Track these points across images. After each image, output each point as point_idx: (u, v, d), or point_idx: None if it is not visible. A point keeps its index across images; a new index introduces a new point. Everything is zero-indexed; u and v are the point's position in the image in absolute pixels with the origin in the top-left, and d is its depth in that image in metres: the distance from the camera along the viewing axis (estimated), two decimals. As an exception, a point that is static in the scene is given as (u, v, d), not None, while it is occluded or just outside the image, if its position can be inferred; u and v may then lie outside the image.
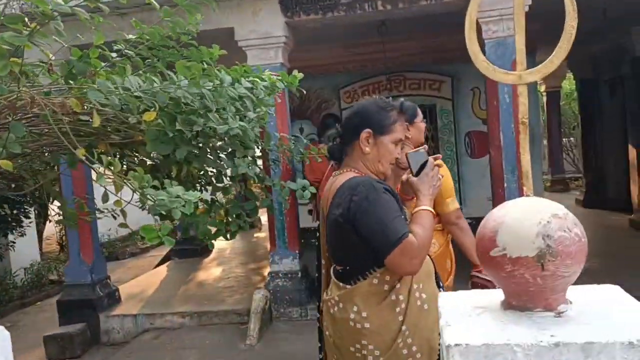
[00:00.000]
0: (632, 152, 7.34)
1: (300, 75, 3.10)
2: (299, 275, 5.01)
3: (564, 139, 11.87)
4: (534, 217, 1.29)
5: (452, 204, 2.63)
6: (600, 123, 8.42)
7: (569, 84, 11.98)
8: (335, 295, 1.85)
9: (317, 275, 2.20)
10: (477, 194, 7.21)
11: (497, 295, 1.50)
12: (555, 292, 1.31)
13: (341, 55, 6.74)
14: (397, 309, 1.79)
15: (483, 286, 2.58)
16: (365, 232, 1.71)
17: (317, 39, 5.81)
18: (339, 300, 1.84)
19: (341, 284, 1.85)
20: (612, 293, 1.44)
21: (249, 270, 6.92)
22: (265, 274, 6.38)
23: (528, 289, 1.29)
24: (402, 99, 2.03)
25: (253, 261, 7.47)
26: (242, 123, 2.62)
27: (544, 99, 11.65)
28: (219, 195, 3.42)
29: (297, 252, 5.02)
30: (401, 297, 1.81)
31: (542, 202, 1.34)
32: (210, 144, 2.97)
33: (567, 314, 1.29)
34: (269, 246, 8.21)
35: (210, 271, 7.06)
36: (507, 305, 1.36)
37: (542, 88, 11.42)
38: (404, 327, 1.79)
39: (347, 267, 1.84)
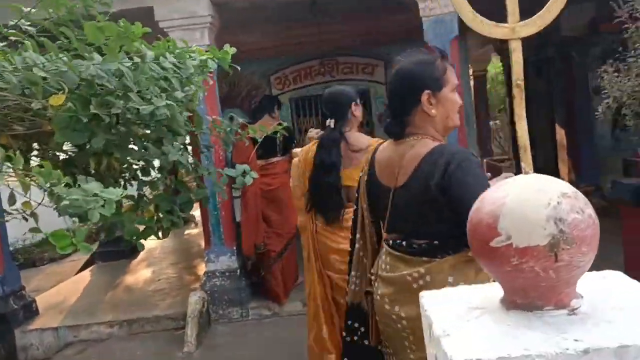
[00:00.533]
0: (559, 132, 7.53)
1: (233, 50, 2.77)
2: (238, 272, 4.68)
3: (490, 122, 12.13)
4: (541, 198, 1.07)
5: None
6: (528, 104, 8.58)
7: (493, 67, 12.26)
8: (421, 268, 1.70)
9: (350, 250, 2.03)
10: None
11: (489, 291, 1.29)
12: (568, 286, 1.10)
13: (272, 39, 6.42)
14: (491, 279, 1.66)
15: None
16: (459, 205, 1.51)
17: (246, 20, 5.45)
18: (425, 272, 1.70)
19: (424, 258, 1.71)
20: (616, 280, 1.25)
21: (182, 270, 6.49)
22: (200, 273, 6.01)
23: (538, 283, 1.07)
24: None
25: (186, 260, 7.03)
26: (169, 101, 2.27)
27: (471, 83, 11.84)
28: (147, 190, 3.04)
29: (234, 248, 4.69)
30: None
31: (546, 179, 1.12)
32: (133, 132, 2.60)
33: (581, 310, 1.09)
34: (202, 243, 7.84)
35: (139, 274, 6.57)
36: (509, 304, 1.14)
37: (470, 71, 11.59)
38: None
39: (435, 242, 1.71)
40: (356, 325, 2.01)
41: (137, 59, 2.28)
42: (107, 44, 2.01)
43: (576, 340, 0.97)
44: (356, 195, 2.00)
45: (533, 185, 1.11)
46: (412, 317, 1.71)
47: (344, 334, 2.07)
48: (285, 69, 7.37)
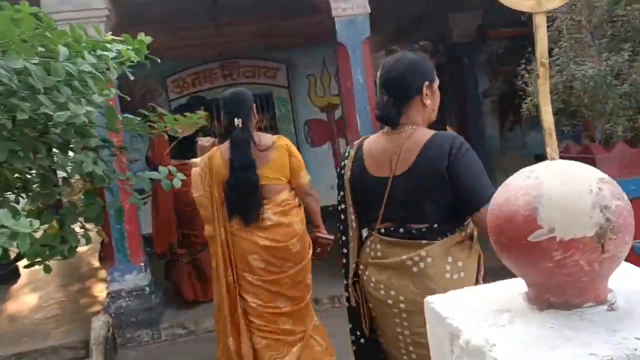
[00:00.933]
0: (452, 134, 7.86)
1: (148, 39, 2.47)
2: (147, 290, 4.27)
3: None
4: (580, 184, 0.98)
5: (306, 176, 2.82)
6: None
7: (383, 74, 12.59)
8: (421, 251, 1.74)
9: (345, 251, 1.98)
10: (318, 183, 7.03)
11: (501, 290, 1.18)
12: (605, 280, 1.02)
13: (170, 39, 6.03)
14: (478, 256, 1.83)
15: (327, 244, 2.92)
16: (461, 184, 1.67)
17: (144, 18, 5.05)
18: (426, 255, 1.74)
19: (423, 241, 1.75)
20: (627, 270, 1.20)
21: (74, 293, 5.84)
22: (98, 294, 5.47)
23: (579, 279, 0.98)
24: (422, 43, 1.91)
25: (77, 282, 6.36)
26: (89, 108, 1.96)
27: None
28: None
29: (142, 264, 4.27)
30: (477, 246, 1.84)
31: (575, 165, 1.04)
32: (33, 136, 2.21)
33: (619, 305, 1.01)
34: (93, 261, 7.15)
35: (23, 300, 5.81)
36: (542, 303, 1.04)
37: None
38: (480, 275, 1.86)
39: (435, 225, 1.76)
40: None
41: (47, 56, 1.93)
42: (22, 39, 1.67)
43: (638, 339, 0.88)
44: (340, 193, 1.96)
45: (566, 171, 1.02)
46: (409, 299, 1.76)
47: (353, 338, 2.03)
48: (183, 71, 6.97)
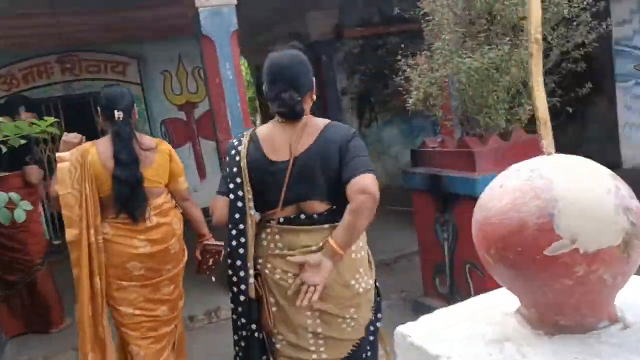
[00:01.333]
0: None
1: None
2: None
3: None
4: (597, 183, 0.82)
5: (185, 182, 2.80)
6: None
7: (244, 71, 12.27)
8: (328, 238, 1.81)
9: (243, 240, 1.93)
10: (180, 187, 6.57)
11: (482, 313, 1.00)
12: (616, 294, 0.87)
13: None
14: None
15: (217, 252, 2.76)
16: (346, 157, 1.79)
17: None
18: None
19: (326, 225, 1.85)
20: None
21: None
22: None
23: (596, 296, 0.82)
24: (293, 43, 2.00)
25: None
26: None
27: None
28: None
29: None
30: None
31: (579, 159, 0.88)
32: None
33: (630, 321, 0.87)
34: None
35: None
36: (550, 327, 0.87)
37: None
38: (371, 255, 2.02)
39: (334, 207, 1.85)
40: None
41: None
42: None
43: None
44: (236, 180, 1.92)
45: (573, 167, 0.86)
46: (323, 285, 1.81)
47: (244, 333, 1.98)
48: (11, 65, 5.98)
